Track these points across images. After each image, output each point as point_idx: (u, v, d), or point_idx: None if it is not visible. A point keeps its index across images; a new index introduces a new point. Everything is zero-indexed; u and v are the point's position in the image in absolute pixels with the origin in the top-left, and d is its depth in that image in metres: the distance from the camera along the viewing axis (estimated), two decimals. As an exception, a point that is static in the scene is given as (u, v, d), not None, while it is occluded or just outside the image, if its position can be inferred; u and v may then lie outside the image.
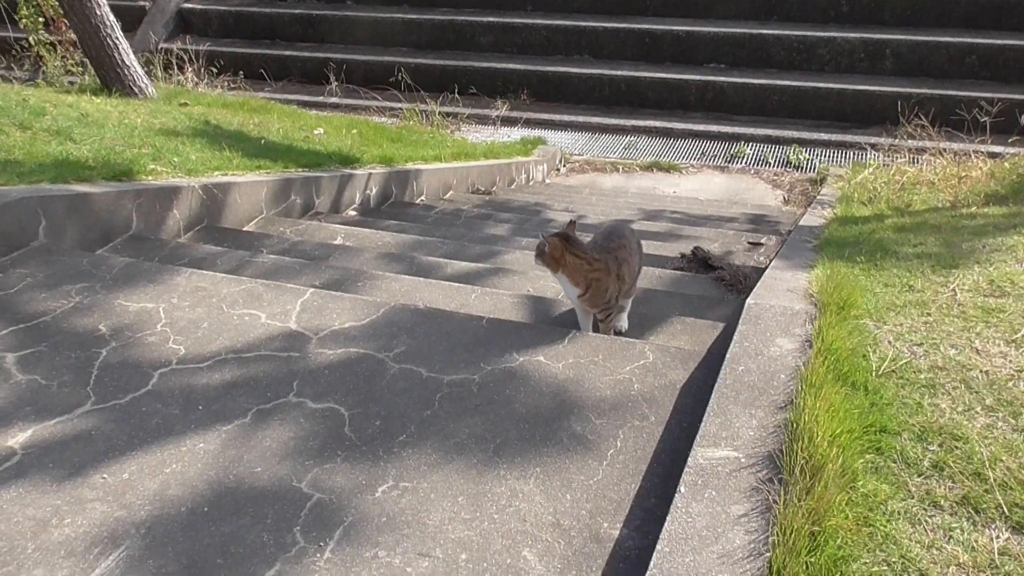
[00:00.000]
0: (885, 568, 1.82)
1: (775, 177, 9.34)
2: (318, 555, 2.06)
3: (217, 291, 3.29)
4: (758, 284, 3.06)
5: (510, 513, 2.19)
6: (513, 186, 8.58)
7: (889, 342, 2.65)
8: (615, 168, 9.74)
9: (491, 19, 12.02)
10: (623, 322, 3.26)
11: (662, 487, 2.28)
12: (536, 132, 10.36)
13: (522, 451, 2.42)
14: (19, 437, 2.46)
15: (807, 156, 9.61)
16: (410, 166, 6.86)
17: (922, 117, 8.28)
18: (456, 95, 11.08)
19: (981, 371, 2.45)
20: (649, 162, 9.77)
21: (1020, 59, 9.93)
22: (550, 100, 11.19)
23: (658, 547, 1.79)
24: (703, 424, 2.16)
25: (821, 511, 1.81)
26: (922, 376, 2.46)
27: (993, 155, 7.63)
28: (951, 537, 1.91)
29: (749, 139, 10.06)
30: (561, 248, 2.92)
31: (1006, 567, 1.82)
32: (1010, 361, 2.49)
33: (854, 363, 2.45)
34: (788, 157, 9.65)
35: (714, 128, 10.31)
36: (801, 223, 5.01)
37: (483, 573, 2.01)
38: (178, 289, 3.30)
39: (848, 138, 9.86)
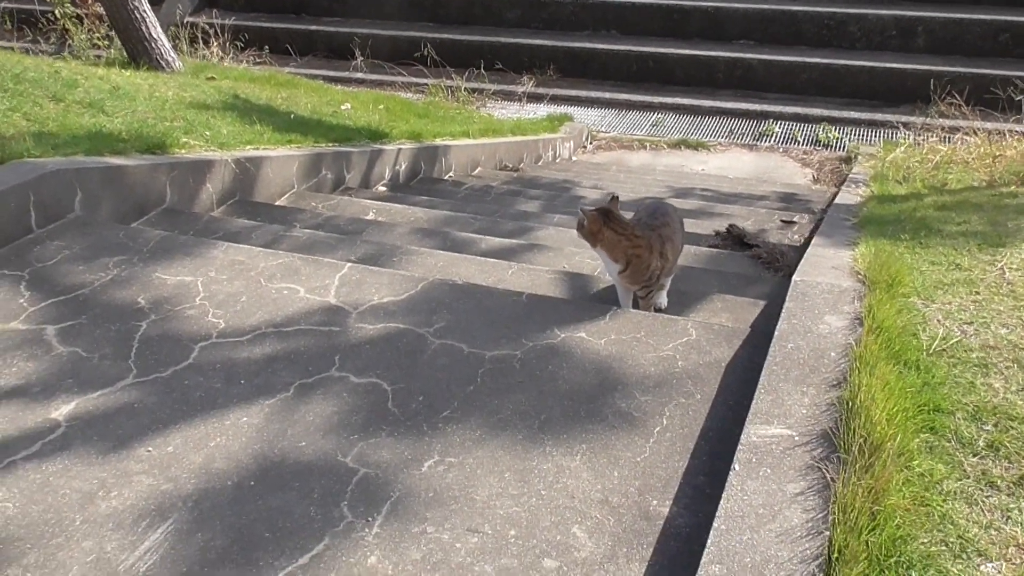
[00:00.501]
0: (943, 548, 1.79)
1: (804, 156, 9.23)
2: (366, 530, 2.05)
3: (255, 265, 3.28)
4: (802, 261, 3.01)
5: (558, 489, 2.17)
6: (540, 163, 8.52)
7: (938, 320, 2.60)
8: (642, 145, 9.65)
9: (518, -6, 11.92)
10: (663, 300, 3.23)
11: (710, 465, 2.25)
12: (562, 109, 10.28)
13: (567, 427, 2.39)
14: (63, 409, 2.46)
15: (836, 134, 9.48)
16: (438, 142, 6.82)
17: (956, 96, 8.14)
18: (482, 71, 10.99)
19: (996, 342, 2.40)
20: (677, 140, 9.68)
21: (1057, 36, 9.74)
22: (577, 76, 11.08)
23: (715, 525, 1.76)
24: (754, 401, 2.13)
25: (880, 490, 1.78)
26: (974, 355, 2.41)
27: (1030, 134, 7.48)
28: (1009, 518, 1.88)
29: (778, 117, 9.93)
30: (600, 222, 2.88)
31: (1066, 550, 1.78)
32: None
33: (905, 341, 2.41)
34: (817, 135, 9.52)
35: (743, 106, 10.19)
36: (837, 201, 4.94)
37: (533, 549, 1.99)
38: (215, 262, 3.29)
39: (878, 116, 9.71)
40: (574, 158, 9.32)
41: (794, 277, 2.71)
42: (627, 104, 10.58)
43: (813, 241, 3.40)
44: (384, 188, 5.84)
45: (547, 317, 2.94)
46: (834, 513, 1.74)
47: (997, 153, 6.99)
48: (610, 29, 11.52)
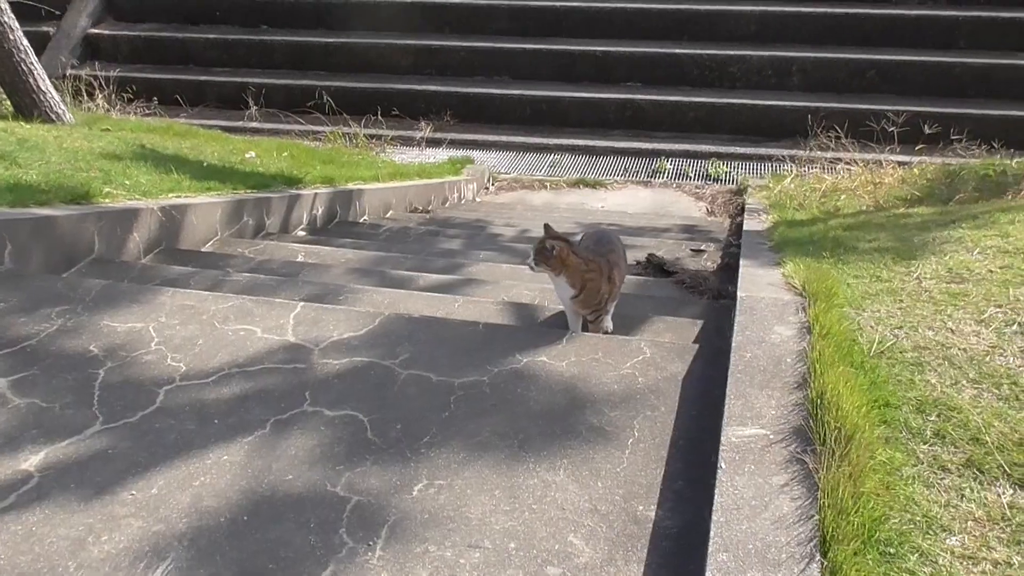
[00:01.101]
0: (912, 526, 1.96)
1: (697, 190, 9.68)
2: (369, 553, 2.09)
3: (205, 308, 3.27)
4: (740, 280, 3.22)
5: (547, 503, 2.26)
6: (447, 204, 8.65)
7: (872, 327, 2.83)
8: (543, 185, 9.91)
9: (409, 41, 12.10)
10: (609, 323, 3.38)
11: (685, 471, 2.39)
12: (461, 152, 10.47)
13: (546, 445, 2.49)
14: (32, 460, 2.41)
15: (725, 169, 9.99)
16: (351, 186, 6.87)
17: (837, 129, 8.73)
18: (379, 117, 11.08)
19: (959, 349, 2.65)
20: (575, 179, 9.99)
21: (914, 73, 10.56)
22: (473, 120, 11.32)
23: (714, 518, 1.89)
24: (727, 407, 2.29)
25: (858, 475, 1.95)
26: (909, 355, 2.64)
27: (902, 163, 8.09)
28: (963, 496, 2.07)
29: (669, 154, 10.39)
30: (568, 250, 3.02)
31: (1017, 519, 1.98)
32: (983, 339, 2.70)
33: (849, 346, 2.62)
34: (707, 170, 10.01)
35: (635, 145, 10.62)
36: (746, 228, 5.24)
37: (535, 559, 2.08)
38: (164, 308, 3.26)
39: (762, 151, 10.29)
40: (478, 199, 9.50)
41: (740, 293, 2.91)
42: (524, 146, 10.87)
43: (742, 263, 3.63)
44: (303, 232, 5.85)
45: (507, 344, 3.04)
46: (821, 499, 1.90)
47: (877, 180, 7.56)
48: (502, 74, 11.83)
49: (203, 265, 4.21)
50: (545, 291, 4.02)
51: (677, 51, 11.31)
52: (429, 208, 8.03)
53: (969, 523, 1.99)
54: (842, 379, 2.23)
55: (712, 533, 1.85)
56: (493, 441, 2.52)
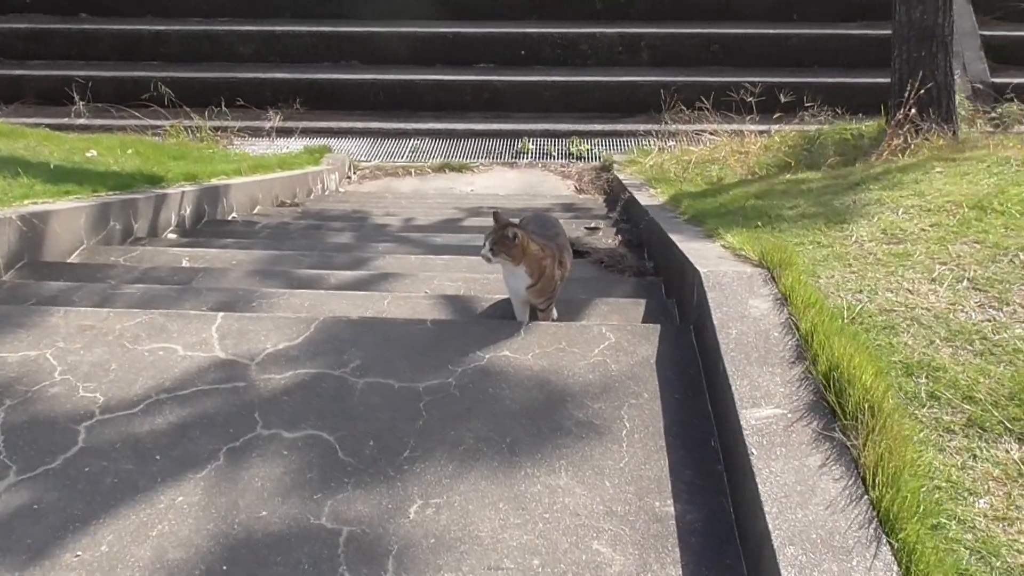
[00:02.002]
0: (942, 493, 1.91)
1: (562, 169, 9.65)
2: (381, 592, 1.85)
3: (109, 327, 2.87)
4: (686, 255, 3.13)
5: (559, 510, 2.09)
6: (312, 196, 8.22)
7: (834, 293, 2.79)
8: (407, 172, 9.62)
9: (248, 28, 11.45)
10: (554, 311, 3.22)
11: (690, 459, 2.27)
12: (316, 141, 10.00)
13: (537, 446, 2.31)
14: (-61, 526, 2.01)
15: (587, 146, 10.01)
16: (216, 182, 6.38)
17: (703, 100, 8.89)
18: (224, 108, 10.43)
19: (922, 308, 2.65)
20: (439, 163, 9.75)
21: (753, 45, 10.94)
22: (325, 108, 10.83)
23: (766, 509, 1.77)
24: (734, 388, 2.17)
25: (897, 448, 1.87)
26: (878, 319, 2.61)
27: (762, 132, 8.33)
28: (975, 456, 2.04)
29: (530, 134, 10.31)
30: (527, 237, 2.83)
31: (1033, 474, 1.97)
32: (941, 297, 2.71)
33: (832, 315, 2.56)
34: (570, 149, 10.00)
35: (495, 126, 10.47)
36: (644, 204, 5.20)
37: (563, 574, 1.89)
38: (59, 331, 2.84)
39: (619, 127, 10.38)
40: (341, 189, 9.10)
41: (701, 269, 2.80)
42: (382, 132, 10.51)
43: (672, 238, 3.54)
44: (174, 235, 5.36)
45: (462, 341, 2.82)
46: (867, 476, 1.81)
47: (743, 149, 7.74)
48: (351, 59, 11.40)
49: (79, 279, 3.74)
50: (470, 281, 3.82)
51: (529, 30, 11.24)
52: (297, 201, 7.60)
53: (990, 483, 1.96)
54: (850, 350, 2.15)
55: (771, 526, 1.72)
56: (480, 448, 2.31)
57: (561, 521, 2.05)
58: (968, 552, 1.71)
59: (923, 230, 3.15)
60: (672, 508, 2.09)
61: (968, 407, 2.20)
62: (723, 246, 3.27)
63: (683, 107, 9.73)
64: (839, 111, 8.78)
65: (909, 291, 2.77)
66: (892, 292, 2.77)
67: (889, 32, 10.93)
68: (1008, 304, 2.59)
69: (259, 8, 11.79)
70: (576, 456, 2.27)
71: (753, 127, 8.41)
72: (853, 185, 4.14)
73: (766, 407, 2.08)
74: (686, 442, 2.33)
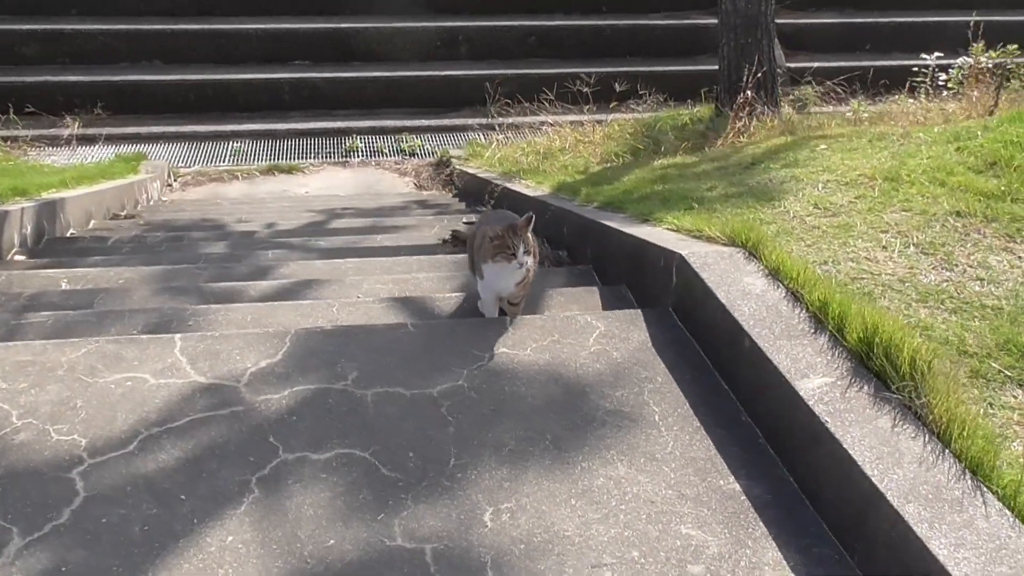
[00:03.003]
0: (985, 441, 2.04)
1: (397, 166, 9.52)
2: (495, 606, 1.77)
3: (53, 361, 2.54)
4: (645, 239, 3.19)
5: (632, 499, 2.08)
6: (141, 207, 7.61)
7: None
8: (233, 176, 9.12)
9: (31, 26, 10.42)
10: (518, 304, 3.19)
11: (730, 437, 2.33)
12: (126, 148, 9.27)
13: (580, 440, 2.29)
14: (-48, 608, 1.71)
15: (419, 142, 9.92)
16: (50, 196, 5.77)
17: (547, 91, 9.04)
18: (11, 116, 9.44)
19: (887, 275, 2.84)
20: (267, 166, 9.32)
21: (570, 37, 11.27)
22: (130, 112, 10.04)
23: (866, 471, 1.85)
24: (775, 361, 2.24)
25: (959, 403, 2.01)
26: (854, 287, 2.76)
27: (599, 121, 8.60)
28: (992, 405, 2.18)
29: (357, 132, 10.07)
30: (527, 229, 2.78)
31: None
32: (898, 263, 2.91)
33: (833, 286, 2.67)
34: (401, 145, 9.86)
35: (319, 125, 10.14)
36: (532, 194, 5.24)
37: (668, 562, 1.90)
38: (-7, 370, 2.49)
39: (447, 121, 10.37)
40: (164, 198, 8.49)
41: (680, 252, 2.86)
42: (197, 136, 9.90)
43: (609, 225, 3.59)
44: (22, 256, 4.81)
45: (453, 342, 2.74)
46: (942, 433, 1.94)
47: (585, 139, 7.97)
48: (152, 59, 10.65)
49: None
50: (400, 282, 3.71)
51: (342, 26, 10.97)
52: (131, 213, 7.02)
53: (1016, 428, 2.13)
54: (882, 318, 2.28)
55: (881, 487, 1.80)
56: (525, 448, 2.25)
57: (640, 511, 2.04)
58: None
59: (851, 202, 3.39)
60: (736, 485, 2.14)
61: (967, 360, 2.38)
62: (670, 229, 3.35)
63: (508, 100, 9.93)
64: (662, 98, 9.22)
65: (867, 259, 2.95)
66: (853, 262, 2.94)
67: (688, 23, 11.66)
68: (957, 264, 2.85)
69: (43, 4, 10.75)
70: (622, 445, 2.27)
71: (587, 117, 8.66)
72: (748, 166, 4.37)
73: (814, 377, 2.17)
74: (719, 420, 2.38)
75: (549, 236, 4.49)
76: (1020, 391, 2.26)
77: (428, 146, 9.90)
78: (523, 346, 2.72)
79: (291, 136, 10.00)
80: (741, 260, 2.82)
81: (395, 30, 11.05)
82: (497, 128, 9.62)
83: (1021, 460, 1.92)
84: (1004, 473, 1.84)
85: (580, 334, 2.79)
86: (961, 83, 7.15)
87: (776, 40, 7.72)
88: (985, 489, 1.80)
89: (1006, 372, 2.34)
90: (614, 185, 4.72)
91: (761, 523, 2.02)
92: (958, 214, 3.15)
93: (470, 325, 2.89)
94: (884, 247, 3.02)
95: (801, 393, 2.11)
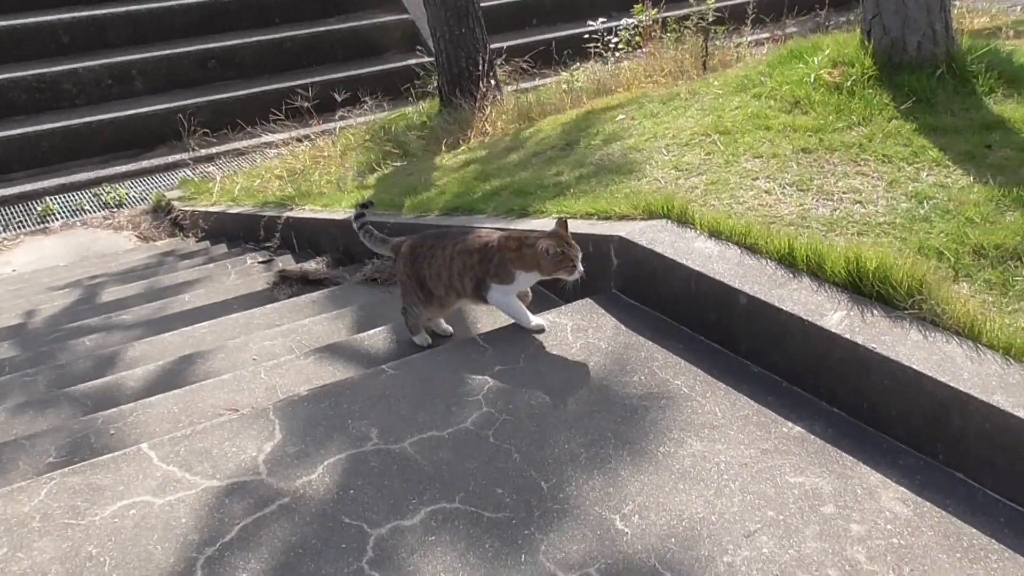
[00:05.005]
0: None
1: (108, 221, 8.60)
2: None
3: (18, 514, 2.11)
4: (552, 228, 3.25)
5: (727, 467, 2.19)
6: None
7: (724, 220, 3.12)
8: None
9: None
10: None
11: (757, 388, 2.50)
12: None
13: (640, 430, 2.35)
14: None
15: (123, 191, 9.02)
16: None
17: (276, 111, 8.65)
18: None
19: (788, 214, 3.12)
20: (-55, 248, 8.04)
21: (251, 54, 10.83)
22: None
23: (941, 380, 2.09)
24: (788, 309, 2.43)
25: (967, 305, 2.33)
26: (781, 230, 3.00)
27: (325, 132, 8.42)
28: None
29: (47, 193, 8.93)
30: None
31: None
32: (789, 202, 3.19)
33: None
34: (103, 199, 8.93)
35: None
36: (340, 219, 5.04)
37: (800, 511, 2.03)
38: (-51, 548, 2.02)
39: (146, 163, 9.52)
40: None
41: (618, 234, 2.96)
42: None
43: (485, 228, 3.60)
44: None
45: (444, 373, 2.65)
46: (966, 331, 2.24)
47: (324, 154, 7.80)
48: None
49: None
50: (289, 334, 3.46)
51: (-6, 78, 9.69)
52: None
53: (991, 311, 2.44)
54: (860, 250, 2.53)
55: (964, 388, 2.04)
56: (597, 452, 2.27)
57: (742, 475, 2.15)
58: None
59: (704, 160, 3.69)
60: (798, 428, 2.32)
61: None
62: (566, 216, 3.42)
63: (208, 129, 9.45)
64: (376, 102, 9.22)
65: (762, 205, 3.24)
66: (752, 210, 3.22)
67: (366, 23, 11.72)
68: (833, 195, 3.24)
69: None
70: (678, 423, 2.35)
71: (297, 133, 8.46)
72: (563, 147, 4.52)
73: (831, 314, 2.39)
74: (737, 378, 2.54)
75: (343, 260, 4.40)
76: (965, 284, 2.63)
77: (134, 193, 9.08)
78: (513, 360, 2.70)
79: (-41, 209, 8.69)
80: (677, 229, 2.99)
81: (59, 74, 9.93)
82: (212, 160, 9.11)
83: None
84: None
85: (556, 334, 2.82)
86: (629, 43, 7.96)
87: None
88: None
89: (941, 272, 2.70)
90: (432, 191, 4.71)
91: (845, 454, 2.21)
92: (804, 151, 3.58)
93: (443, 354, 2.81)
94: (767, 192, 3.34)
95: (833, 329, 2.33)
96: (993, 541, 1.93)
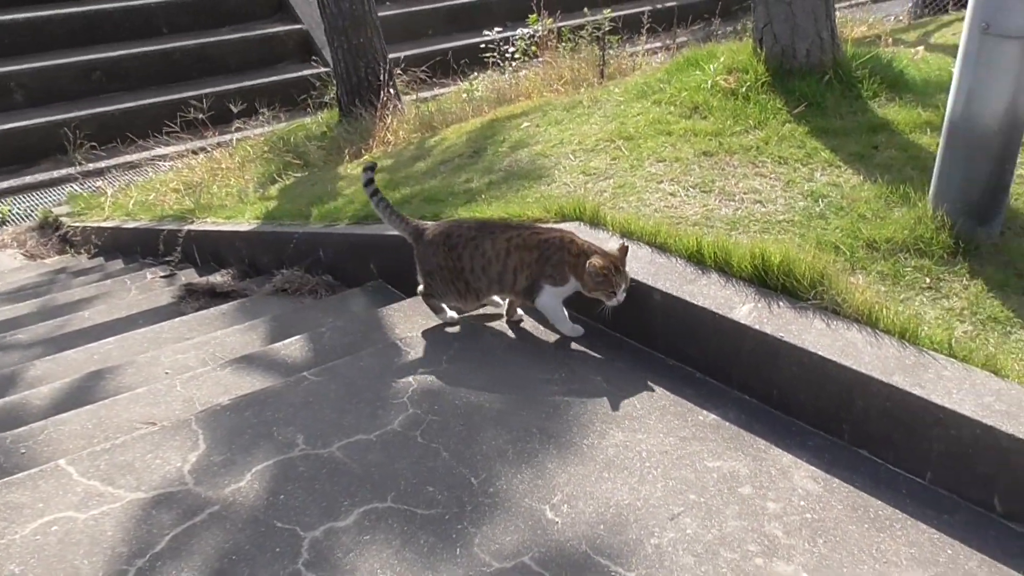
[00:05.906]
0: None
1: (-12, 241, 8.24)
2: None
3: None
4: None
5: (648, 455, 2.28)
6: None
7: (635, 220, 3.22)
8: None
9: None
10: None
11: (673, 380, 2.60)
12: None
13: (563, 424, 2.43)
14: None
15: (5, 208, 8.64)
16: None
17: (171, 123, 8.42)
18: None
19: (692, 215, 3.23)
20: None
21: (137, 66, 10.52)
22: None
23: (846, 363, 2.23)
24: (698, 303, 2.54)
25: (866, 294, 2.48)
26: (689, 229, 3.12)
27: (221, 144, 8.25)
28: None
29: (-84, 213, 8.51)
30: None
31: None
32: (692, 205, 3.30)
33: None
34: (-20, 218, 8.53)
35: None
36: (245, 230, 4.96)
37: (719, 493, 2.13)
38: None
39: (28, 179, 9.12)
40: None
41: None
42: None
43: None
44: None
45: (366, 377, 2.67)
46: (865, 319, 2.40)
47: (222, 167, 7.65)
48: None
49: None
50: (201, 346, 3.41)
51: None
52: None
53: (885, 301, 2.63)
54: (765, 247, 2.66)
55: (865, 371, 2.19)
56: (524, 447, 2.33)
57: (663, 462, 2.24)
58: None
59: (610, 165, 3.80)
60: (713, 416, 2.44)
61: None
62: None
63: (95, 143, 9.14)
64: (272, 113, 9.10)
65: (668, 207, 3.36)
66: (659, 212, 3.33)
67: (259, 33, 11.56)
68: (734, 195, 3.39)
69: None
70: (599, 415, 2.44)
71: (194, 145, 8.29)
72: (471, 155, 4.57)
73: (740, 307, 2.52)
74: (654, 370, 2.65)
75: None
76: (861, 276, 2.79)
77: (18, 210, 8.70)
78: (436, 363, 2.74)
79: None
80: (590, 231, 3.08)
81: (-73, 87, 9.45)
82: (101, 173, 8.82)
83: (915, 317, 2.43)
84: (931, 333, 2.33)
85: (476, 334, 2.87)
86: (525, 52, 8.11)
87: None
88: (927, 352, 2.27)
89: (839, 265, 2.86)
90: (340, 201, 4.68)
91: (759, 439, 2.34)
92: (705, 154, 3.73)
93: (365, 359, 2.82)
94: (672, 194, 3.46)
95: (743, 321, 2.45)
96: (896, 511, 2.08)
